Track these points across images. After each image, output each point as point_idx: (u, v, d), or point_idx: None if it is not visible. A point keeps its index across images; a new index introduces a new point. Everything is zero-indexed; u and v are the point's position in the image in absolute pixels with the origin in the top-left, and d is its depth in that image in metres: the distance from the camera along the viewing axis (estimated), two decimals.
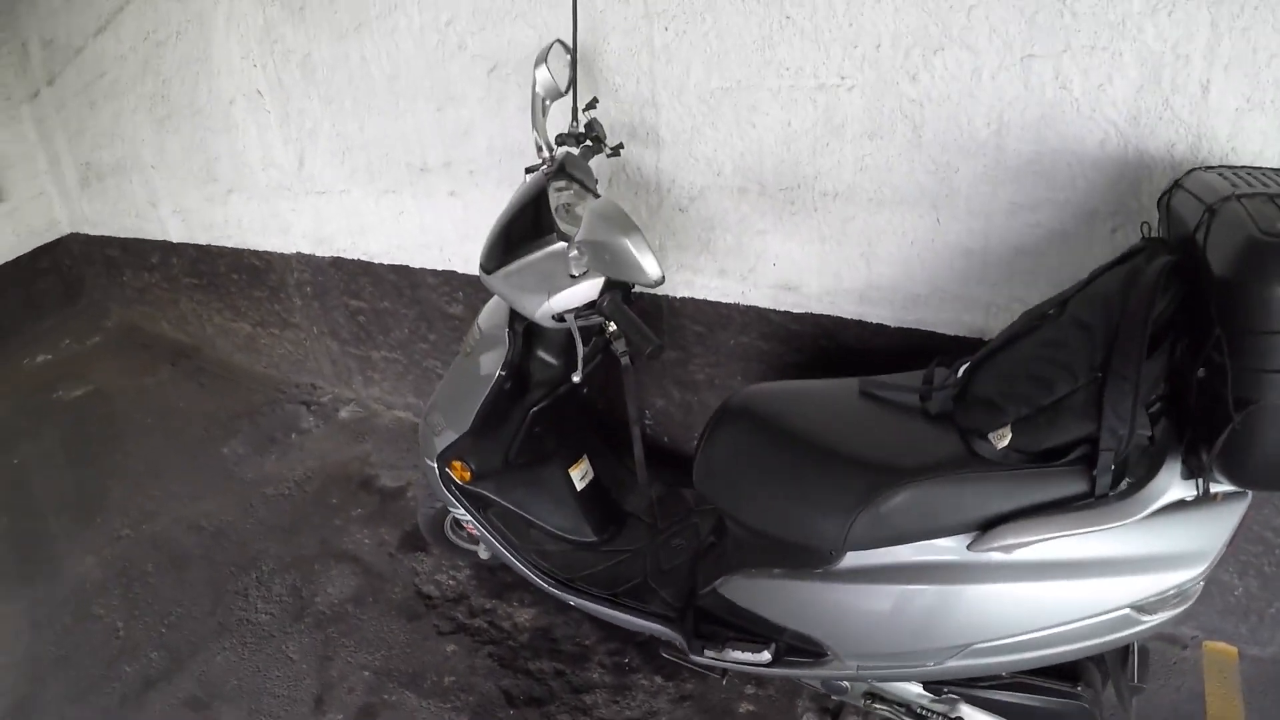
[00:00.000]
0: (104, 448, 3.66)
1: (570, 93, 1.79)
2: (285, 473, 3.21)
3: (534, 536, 2.02)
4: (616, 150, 1.83)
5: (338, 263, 3.15)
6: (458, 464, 1.92)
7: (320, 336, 3.53)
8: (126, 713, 2.37)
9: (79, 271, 5.11)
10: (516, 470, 1.94)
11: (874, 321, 1.82)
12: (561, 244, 1.49)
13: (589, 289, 1.49)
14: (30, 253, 4.87)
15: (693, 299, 2.09)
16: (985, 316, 1.68)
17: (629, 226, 1.35)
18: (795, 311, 1.91)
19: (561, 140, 1.75)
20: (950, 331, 1.74)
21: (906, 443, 1.35)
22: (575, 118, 1.81)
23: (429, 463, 2.00)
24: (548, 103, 1.71)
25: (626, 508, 2.12)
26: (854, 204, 1.70)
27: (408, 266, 2.88)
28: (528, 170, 1.71)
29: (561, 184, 1.64)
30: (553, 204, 1.59)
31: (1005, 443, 1.22)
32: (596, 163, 1.93)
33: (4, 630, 2.77)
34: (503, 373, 1.73)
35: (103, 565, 2.92)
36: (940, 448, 1.31)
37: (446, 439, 1.89)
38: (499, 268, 1.61)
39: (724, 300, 2.03)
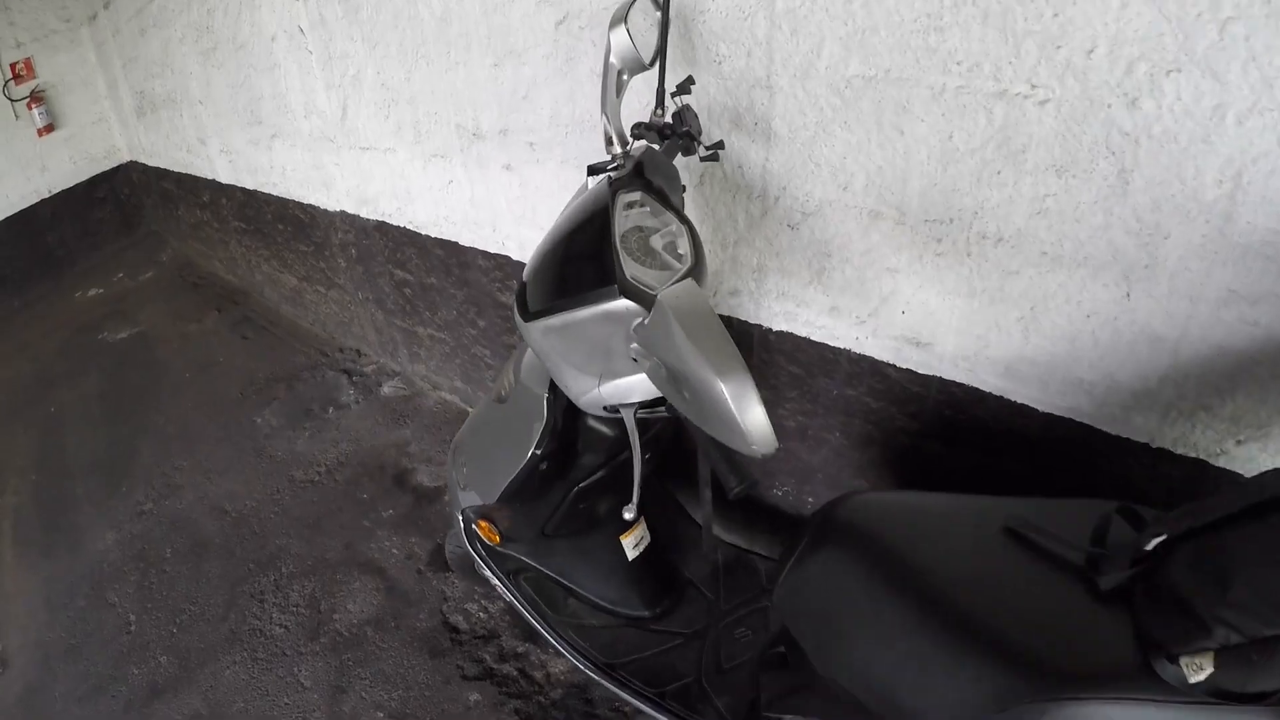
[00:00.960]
0: (139, 402, 3.48)
1: (657, 65, 1.35)
2: (317, 454, 2.96)
3: (572, 608, 1.69)
4: (714, 151, 1.38)
5: (382, 228, 2.83)
6: (484, 524, 1.59)
7: (365, 302, 3.24)
8: (127, 718, 2.19)
9: (137, 201, 4.94)
10: (555, 539, 1.60)
11: (1018, 401, 1.39)
12: (623, 303, 1.06)
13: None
14: (88, 180, 4.71)
15: (793, 335, 1.67)
16: (1161, 420, 1.24)
17: (728, 358, 0.84)
18: (920, 372, 1.49)
19: (639, 132, 1.34)
20: (1111, 430, 1.30)
21: (1063, 629, 0.97)
22: (661, 103, 1.38)
23: (454, 512, 1.67)
24: (625, 77, 1.27)
25: (686, 573, 1.77)
26: (1021, 255, 1.25)
27: (456, 244, 2.53)
28: (591, 171, 1.30)
29: (634, 196, 1.21)
30: (618, 227, 1.16)
31: (1202, 676, 0.83)
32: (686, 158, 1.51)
33: (21, 605, 2.64)
34: (538, 451, 1.36)
35: (122, 544, 2.74)
36: (1108, 647, 0.92)
37: (471, 498, 1.56)
38: (538, 315, 1.22)
39: (832, 343, 1.61)
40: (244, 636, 2.32)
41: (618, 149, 1.29)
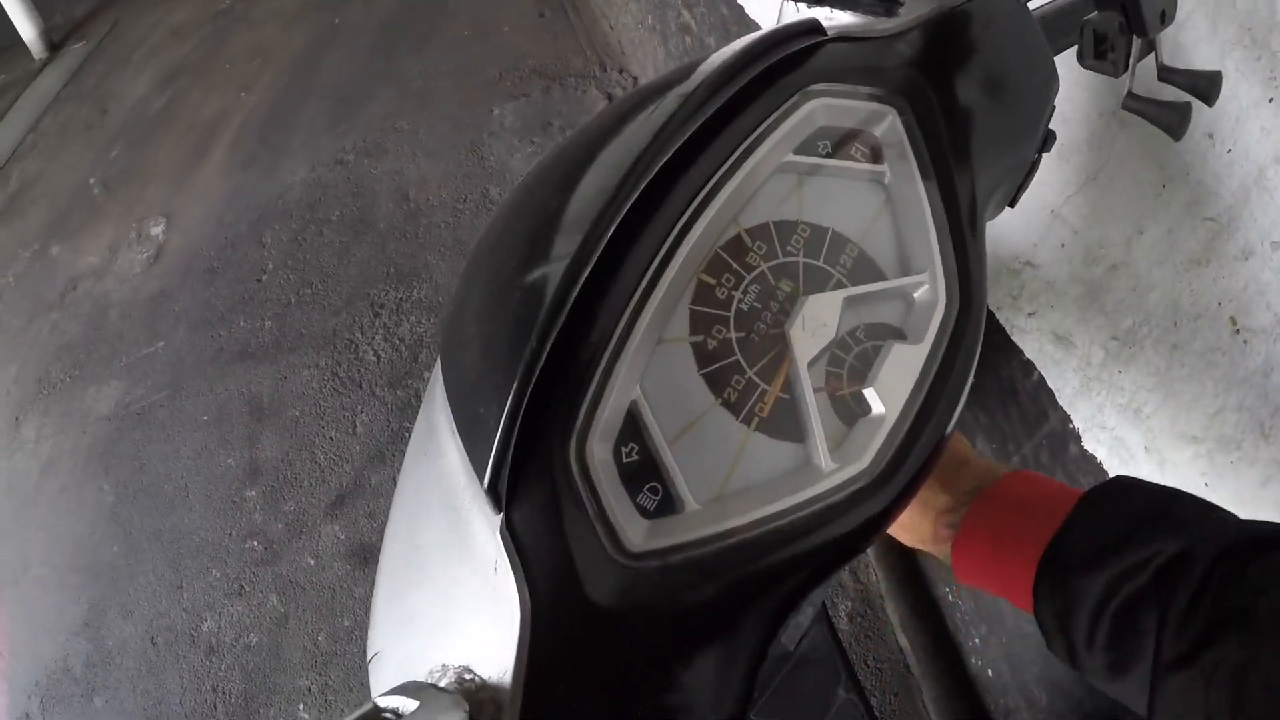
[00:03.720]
0: (408, 46, 3.22)
1: None
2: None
3: None
4: (1186, 103, 0.52)
5: None
6: None
7: (652, 31, 2.58)
8: (209, 369, 2.12)
9: None
10: None
11: None
12: (491, 549, 0.36)
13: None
14: None
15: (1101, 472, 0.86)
16: None
17: None
18: None
19: None
20: None
21: None
22: None
23: None
24: None
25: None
26: None
27: (744, 9, 1.77)
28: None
29: (861, 113, 0.45)
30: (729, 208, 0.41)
31: None
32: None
33: (201, 208, 2.64)
34: None
35: (306, 186, 2.57)
36: None
37: None
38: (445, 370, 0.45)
39: None
40: (340, 345, 2.06)
41: None
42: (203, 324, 2.21)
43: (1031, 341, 1.00)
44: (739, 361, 0.40)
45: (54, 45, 3.92)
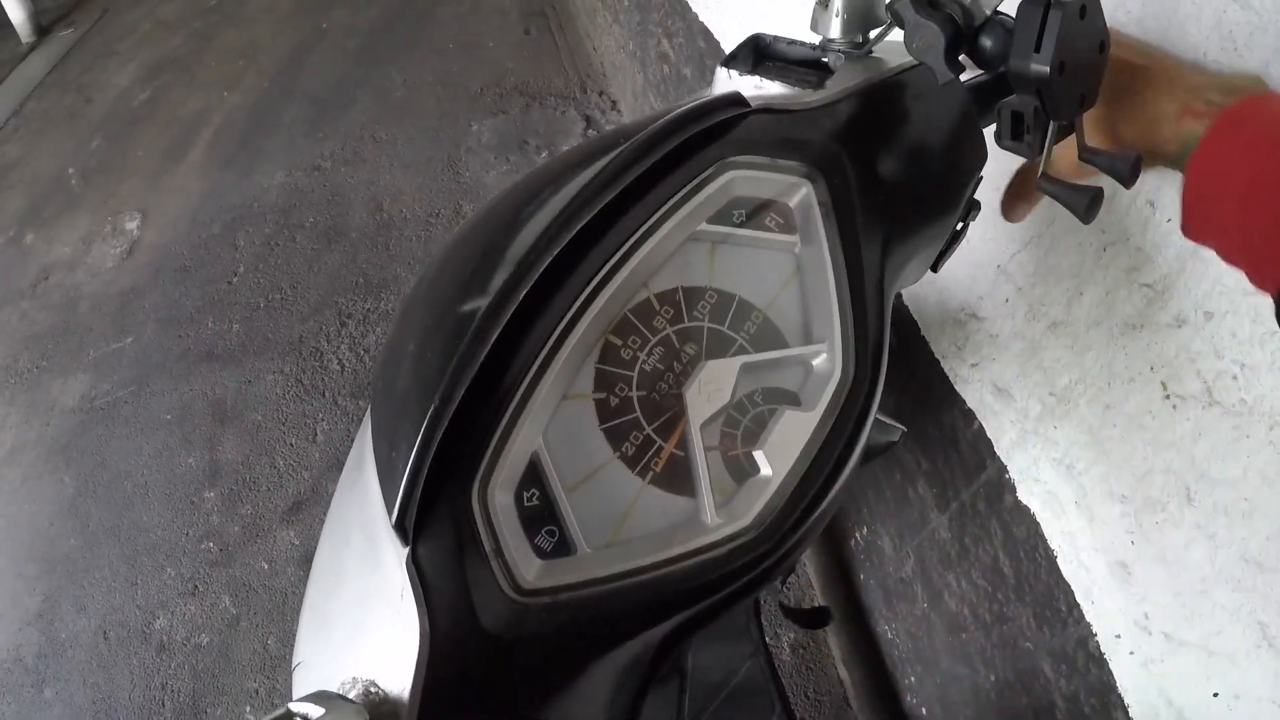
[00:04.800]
0: (391, 54, 3.25)
1: None
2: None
3: None
4: (1094, 190, 0.50)
5: None
6: None
7: (632, 56, 2.64)
8: (175, 368, 2.15)
9: None
10: None
11: None
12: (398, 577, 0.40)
13: None
14: None
15: (1041, 536, 0.90)
16: None
17: None
18: None
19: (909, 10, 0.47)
20: None
21: None
22: None
23: None
24: None
25: (688, 657, 1.14)
26: None
27: (720, 43, 1.83)
28: (743, 53, 0.56)
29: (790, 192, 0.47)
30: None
31: None
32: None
33: (176, 206, 2.65)
34: None
35: (282, 191, 2.60)
36: None
37: None
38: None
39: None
40: (305, 352, 2.10)
41: (835, 30, 0.51)
42: (171, 322, 2.24)
43: (973, 391, 1.04)
44: (638, 419, 0.43)
45: (42, 30, 3.91)
